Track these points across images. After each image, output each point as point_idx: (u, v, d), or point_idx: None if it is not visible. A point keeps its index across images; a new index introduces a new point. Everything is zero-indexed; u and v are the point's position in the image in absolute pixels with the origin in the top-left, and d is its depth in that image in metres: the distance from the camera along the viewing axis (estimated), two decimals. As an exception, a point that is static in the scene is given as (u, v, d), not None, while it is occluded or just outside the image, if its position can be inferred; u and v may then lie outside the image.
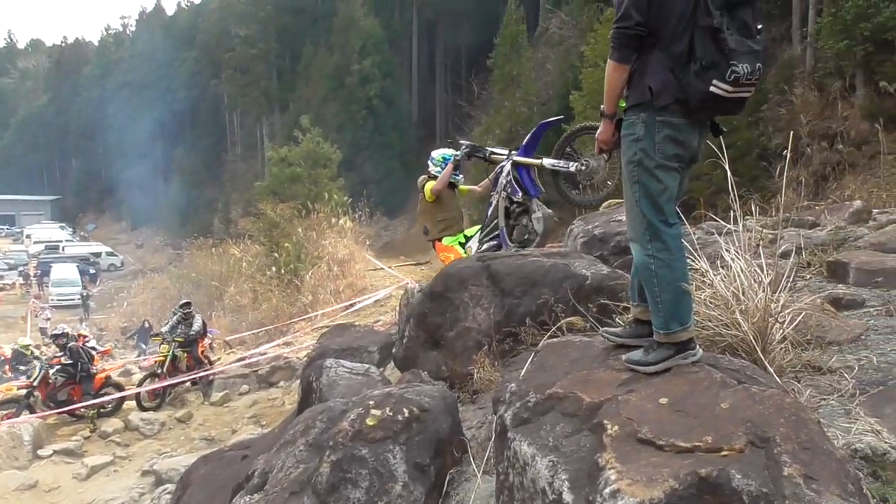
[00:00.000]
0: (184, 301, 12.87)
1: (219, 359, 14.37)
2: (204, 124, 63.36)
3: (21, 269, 44.09)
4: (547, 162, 5.33)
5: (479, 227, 6.26)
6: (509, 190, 5.60)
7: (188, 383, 11.84)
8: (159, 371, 11.50)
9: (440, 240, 6.44)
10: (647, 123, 2.49)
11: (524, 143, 5.60)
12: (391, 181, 39.96)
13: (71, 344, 11.37)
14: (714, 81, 2.33)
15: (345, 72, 41.74)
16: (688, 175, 2.75)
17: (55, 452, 9.08)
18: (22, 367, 15.58)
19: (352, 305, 15.82)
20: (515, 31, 26.20)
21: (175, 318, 12.19)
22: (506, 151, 5.75)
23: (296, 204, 20.99)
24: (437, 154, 6.52)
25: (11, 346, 17.01)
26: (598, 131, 2.79)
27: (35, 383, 10.56)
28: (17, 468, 8.53)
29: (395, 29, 48.93)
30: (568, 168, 5.25)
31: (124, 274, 47.08)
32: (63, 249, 49.90)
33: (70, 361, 10.94)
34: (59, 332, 12.05)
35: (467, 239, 6.22)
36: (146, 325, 21.95)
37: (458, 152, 6.05)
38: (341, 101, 40.90)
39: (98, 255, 50.19)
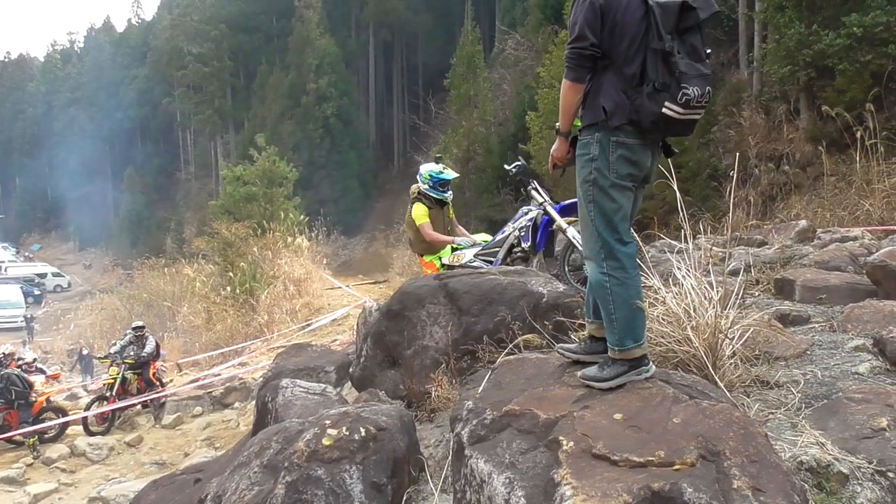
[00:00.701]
0: (136, 323, 12.56)
1: (171, 381, 14.02)
2: (156, 142, 62.33)
3: (-40, 290, 42.39)
4: (570, 232, 5.15)
5: (485, 239, 6.21)
6: (522, 234, 5.58)
7: (139, 406, 11.53)
8: (108, 394, 11.18)
9: (422, 256, 6.45)
10: (602, 143, 2.54)
11: (566, 203, 5.47)
12: (348, 200, 39.81)
13: (4, 371, 10.95)
14: (666, 103, 2.39)
15: (301, 91, 41.54)
16: (641, 194, 2.82)
17: (-6, 481, 8.71)
18: None
19: (308, 325, 15.63)
20: (472, 52, 26.49)
21: (126, 338, 11.89)
22: (546, 197, 5.59)
23: (251, 223, 20.71)
24: (424, 170, 6.46)
25: None
26: (553, 148, 2.84)
27: None
28: (-47, 499, 8.17)
29: (352, 49, 48.99)
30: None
31: (71, 295, 45.72)
32: (5, 270, 48.20)
33: (2, 386, 10.50)
34: None
35: (460, 248, 6.15)
36: (83, 351, 21.29)
37: (511, 166, 5.89)
38: (297, 119, 40.65)
39: (43, 275, 48.67)
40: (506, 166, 6.08)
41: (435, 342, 4.36)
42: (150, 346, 11.74)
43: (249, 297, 18.07)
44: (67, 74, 75.20)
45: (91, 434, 10.57)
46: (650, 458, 2.14)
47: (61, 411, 11.28)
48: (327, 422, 3.28)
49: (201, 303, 19.76)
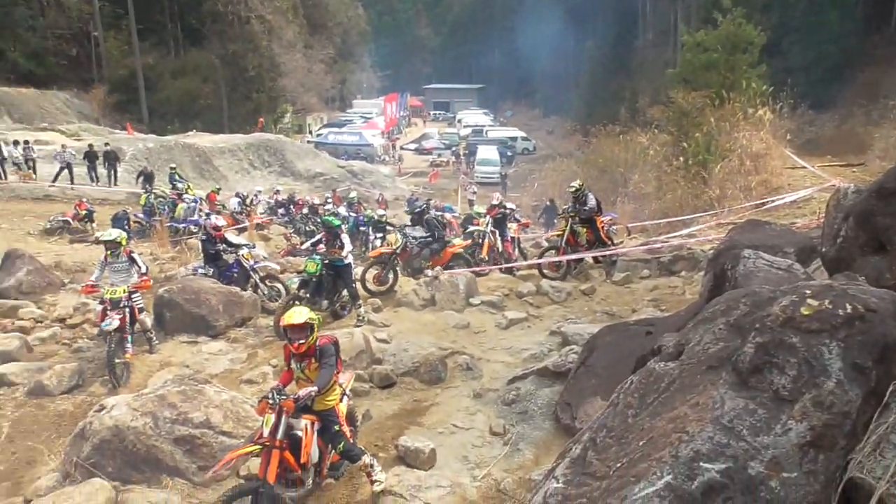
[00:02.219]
0: (573, 184, 13.27)
1: (622, 242, 14.92)
2: (615, 12, 62.79)
3: (454, 148, 51.03)
4: None
5: None
6: None
7: (591, 260, 12.56)
8: (559, 245, 12.41)
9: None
10: None
11: None
12: (822, 69, 34.61)
13: (427, 216, 12.96)
14: None
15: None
16: None
17: (482, 303, 10.72)
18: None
19: (763, 203, 14.74)
20: None
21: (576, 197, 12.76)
22: None
23: (709, 92, 19.86)
24: None
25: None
26: None
27: (398, 250, 12.27)
28: (455, 310, 10.34)
29: None
30: None
31: (535, 157, 50.95)
32: (486, 133, 56.05)
33: (428, 233, 12.51)
34: (417, 208, 13.77)
35: None
36: (549, 203, 23.73)
37: None
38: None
39: (514, 139, 55.03)
40: None
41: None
42: (590, 203, 12.31)
43: (701, 170, 17.73)
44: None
45: (546, 278, 12.03)
46: None
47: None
48: (807, 291, 3.18)
49: (653, 171, 20.15)
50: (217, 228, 11.11)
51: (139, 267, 8.90)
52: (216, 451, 6.01)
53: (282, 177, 34.62)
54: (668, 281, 11.28)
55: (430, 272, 11.39)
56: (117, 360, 8.13)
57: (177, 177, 23.65)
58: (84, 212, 19.07)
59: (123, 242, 8.96)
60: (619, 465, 3.04)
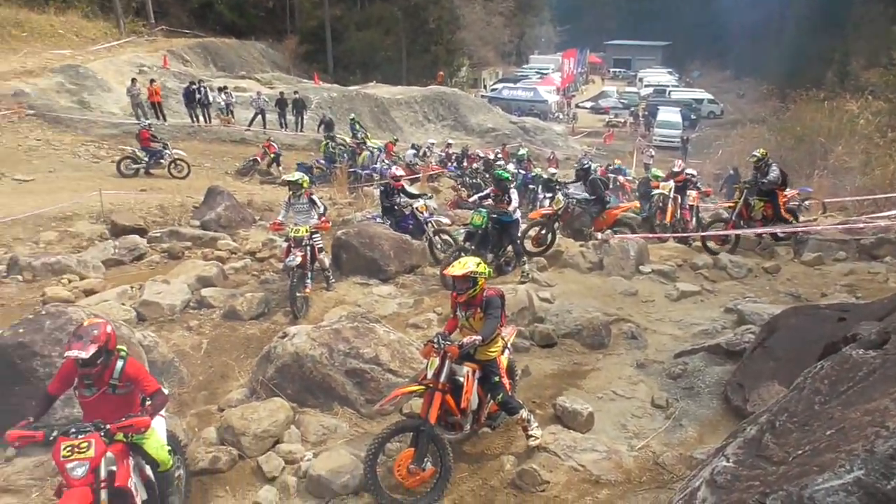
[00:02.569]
0: (757, 151, 12.14)
1: (815, 219, 13.60)
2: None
3: (632, 109, 48.95)
4: None
5: None
6: None
7: (770, 237, 11.55)
8: (730, 217, 11.50)
9: None
10: None
11: None
12: None
13: (592, 176, 12.33)
14: None
15: None
16: None
17: (653, 271, 10.28)
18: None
19: None
20: None
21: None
22: None
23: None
24: None
25: None
26: None
27: (559, 212, 11.84)
28: (623, 276, 10.02)
29: None
30: None
31: (723, 122, 47.63)
32: (669, 94, 53.11)
33: (592, 194, 12.02)
34: (583, 165, 13.12)
35: None
36: (732, 172, 22.06)
37: None
38: None
39: (700, 101, 51.66)
40: None
41: None
42: (772, 174, 11.21)
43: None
44: None
45: (711, 252, 11.22)
46: None
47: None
48: None
49: (861, 143, 18.04)
50: (397, 178, 11.58)
51: (318, 208, 9.51)
52: (382, 387, 6.36)
53: (454, 130, 35.24)
54: (868, 266, 10.11)
55: (599, 235, 11.09)
56: (298, 294, 8.80)
57: (357, 126, 24.81)
58: (273, 154, 20.71)
59: (305, 185, 9.57)
60: (800, 452, 2.81)
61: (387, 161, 20.04)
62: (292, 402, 6.37)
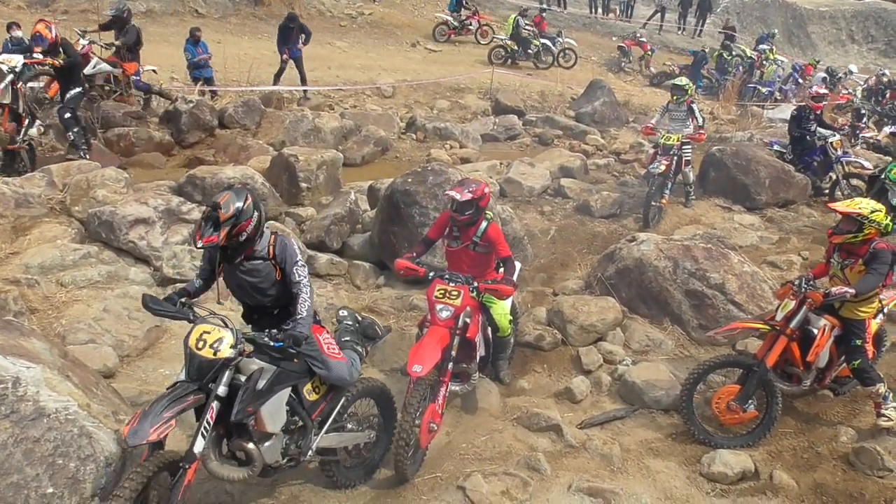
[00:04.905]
0: None
1: None
2: None
3: None
4: None
5: None
6: None
7: None
8: None
9: None
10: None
11: None
12: None
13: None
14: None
15: None
16: None
17: None
18: None
19: None
20: None
21: None
22: None
23: None
24: None
25: None
26: None
27: None
28: None
29: None
30: None
31: None
32: None
33: None
34: None
35: None
36: None
37: None
38: None
39: None
40: None
41: None
42: None
43: None
44: None
45: None
46: None
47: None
48: None
49: None
50: (818, 98, 10.12)
51: (696, 119, 8.97)
52: (720, 316, 5.98)
53: (883, 57, 29.23)
54: None
55: None
56: (654, 203, 8.54)
57: (770, 39, 22.17)
58: (648, 52, 20.09)
59: (690, 91, 9.07)
60: None
61: (801, 80, 17.78)
62: (624, 305, 6.36)
